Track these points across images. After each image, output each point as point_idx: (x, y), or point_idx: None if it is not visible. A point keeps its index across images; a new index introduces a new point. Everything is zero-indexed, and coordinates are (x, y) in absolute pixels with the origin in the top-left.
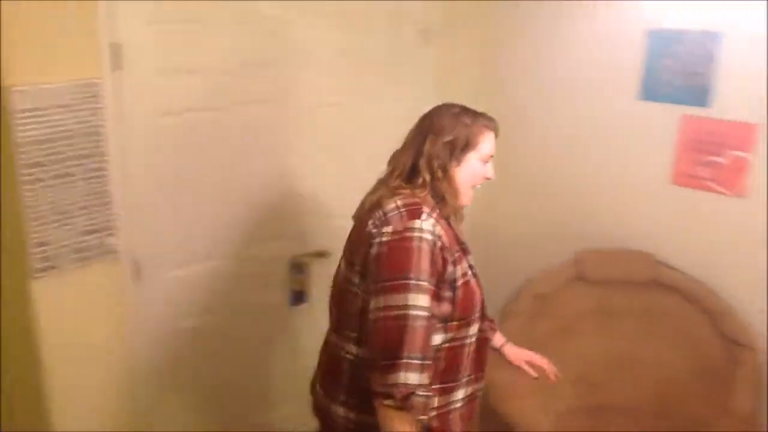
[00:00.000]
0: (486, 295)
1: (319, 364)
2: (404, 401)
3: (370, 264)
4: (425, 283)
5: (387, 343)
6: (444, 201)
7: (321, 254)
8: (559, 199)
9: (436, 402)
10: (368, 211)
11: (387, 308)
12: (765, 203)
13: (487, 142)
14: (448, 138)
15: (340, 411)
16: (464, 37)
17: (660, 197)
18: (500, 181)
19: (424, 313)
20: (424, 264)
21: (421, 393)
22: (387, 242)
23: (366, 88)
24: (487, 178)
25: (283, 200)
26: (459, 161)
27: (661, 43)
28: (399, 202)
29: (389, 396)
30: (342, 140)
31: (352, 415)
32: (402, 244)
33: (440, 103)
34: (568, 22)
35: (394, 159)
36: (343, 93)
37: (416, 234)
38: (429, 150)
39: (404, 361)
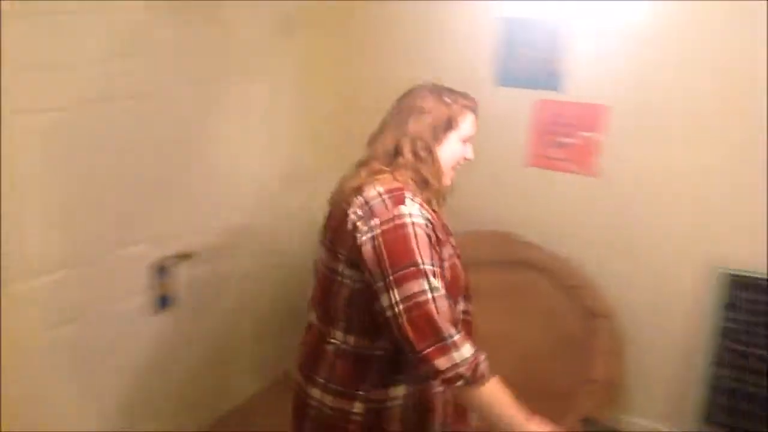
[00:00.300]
0: None
1: (301, 348)
2: (476, 375)
3: (368, 261)
4: (431, 267)
5: (422, 334)
6: (426, 183)
7: (185, 256)
8: None
9: (416, 387)
10: (348, 196)
11: (405, 300)
12: (615, 181)
13: (467, 123)
14: (430, 118)
15: (316, 393)
16: (328, 30)
17: (517, 179)
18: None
19: (443, 292)
20: (424, 247)
21: (482, 359)
22: (380, 234)
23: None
24: (467, 159)
25: (142, 202)
26: (441, 141)
27: (515, 31)
28: (380, 189)
29: (459, 378)
30: (201, 138)
31: (327, 399)
32: (397, 233)
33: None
34: (426, 12)
35: (374, 141)
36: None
37: (407, 220)
38: (412, 130)
39: (449, 341)
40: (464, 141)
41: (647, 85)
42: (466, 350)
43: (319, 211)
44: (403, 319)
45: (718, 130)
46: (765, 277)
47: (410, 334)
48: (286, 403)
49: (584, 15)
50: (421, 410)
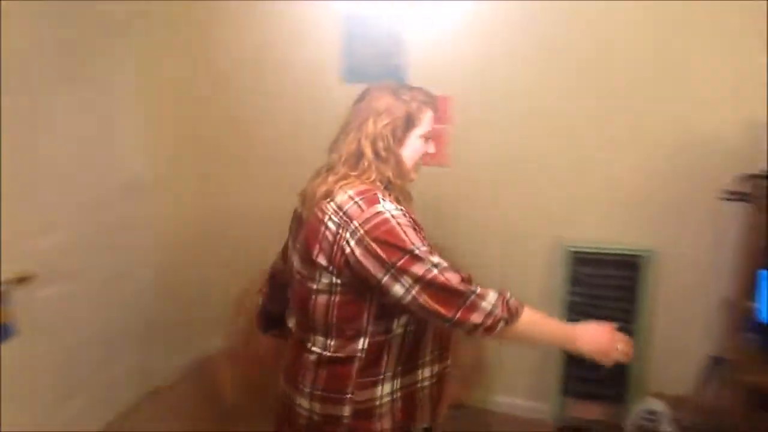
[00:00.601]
0: None
1: (285, 357)
2: (511, 312)
3: (364, 262)
4: (424, 248)
5: (445, 302)
6: (390, 183)
7: (22, 279)
8: (281, 188)
9: (399, 384)
10: (318, 203)
11: (417, 282)
12: (466, 170)
13: (426, 119)
14: (389, 118)
15: (304, 402)
16: (165, 33)
17: None
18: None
19: (445, 264)
20: (411, 234)
21: (508, 295)
22: (365, 235)
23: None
24: (429, 154)
25: None
26: (402, 141)
27: (358, 28)
28: (350, 192)
29: (498, 322)
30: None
31: (316, 407)
32: (380, 229)
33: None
34: (271, 13)
35: (336, 145)
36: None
37: (387, 215)
38: (372, 132)
39: (473, 297)
40: (426, 137)
41: (487, 75)
42: (492, 296)
43: (161, 220)
44: (424, 297)
45: (555, 116)
46: (603, 252)
47: (435, 307)
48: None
49: (423, 10)
50: (407, 406)
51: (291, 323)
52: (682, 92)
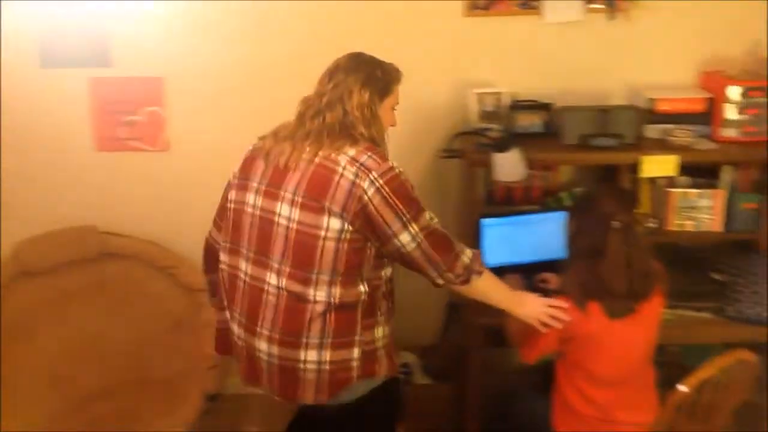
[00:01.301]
0: None
1: (242, 303)
2: (480, 269)
3: (379, 208)
4: (422, 204)
5: (443, 252)
6: (378, 145)
7: None
8: None
9: (388, 329)
10: (325, 158)
11: (422, 230)
12: (185, 154)
13: (396, 92)
14: (372, 87)
15: (312, 356)
16: None
17: (88, 167)
18: None
19: (437, 219)
20: (415, 190)
21: (477, 252)
22: (385, 184)
23: None
24: (392, 125)
25: None
26: (379, 107)
27: (55, 9)
28: (361, 148)
29: (471, 274)
30: None
31: (326, 355)
32: (397, 181)
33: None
34: None
35: (319, 114)
36: None
37: (398, 170)
38: (358, 101)
39: (457, 249)
40: (393, 107)
41: (201, 56)
42: (468, 252)
43: None
44: (426, 245)
45: (267, 96)
46: None
47: (435, 255)
48: None
49: None
50: (393, 350)
51: (271, 278)
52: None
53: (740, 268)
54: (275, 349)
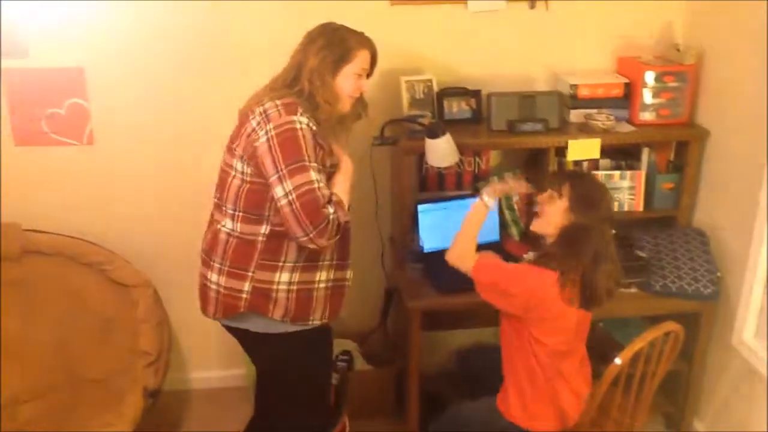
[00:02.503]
0: None
1: (203, 239)
2: (344, 224)
3: (263, 157)
4: (315, 164)
5: (311, 217)
6: (318, 107)
7: None
8: None
9: (298, 278)
10: (250, 107)
11: (297, 188)
12: (111, 146)
13: (360, 58)
14: (326, 51)
15: (213, 277)
16: None
17: (8, 162)
18: None
19: (323, 184)
20: (309, 148)
21: (339, 211)
22: (274, 136)
23: None
24: (361, 91)
25: None
26: (335, 73)
27: None
28: (278, 102)
29: (336, 235)
30: None
31: (222, 279)
32: (287, 134)
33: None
34: None
35: (280, 76)
36: None
37: (297, 125)
38: (310, 63)
39: (329, 216)
40: (358, 74)
41: (124, 45)
42: (341, 215)
43: None
44: (297, 205)
45: (198, 88)
46: None
47: (302, 217)
48: None
49: None
50: (302, 300)
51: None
52: None
53: (662, 244)
54: (202, 268)
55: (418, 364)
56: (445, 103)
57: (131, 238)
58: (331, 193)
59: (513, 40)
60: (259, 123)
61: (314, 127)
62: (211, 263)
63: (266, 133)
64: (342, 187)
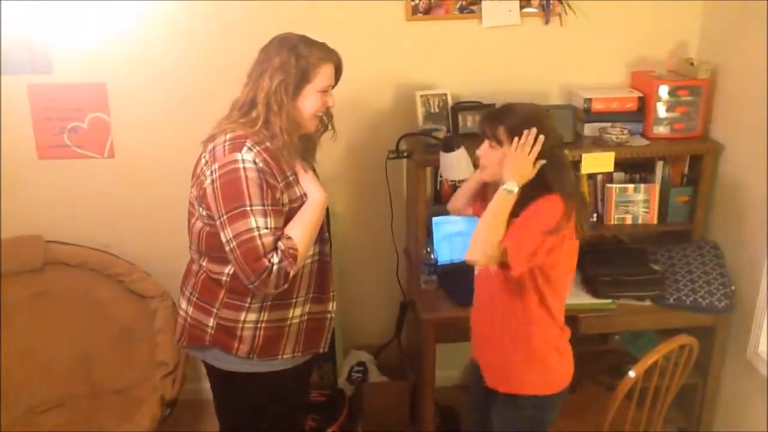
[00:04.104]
0: None
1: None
2: (294, 259)
3: (209, 200)
4: (260, 207)
5: (252, 267)
6: (275, 137)
7: None
8: None
9: (267, 317)
10: (205, 143)
11: (236, 236)
12: (131, 160)
13: (323, 74)
14: (283, 75)
15: (183, 304)
16: None
17: (31, 175)
18: None
19: (266, 230)
20: (254, 189)
21: (286, 244)
22: (216, 178)
23: None
24: (328, 107)
25: None
26: (295, 96)
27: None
28: (228, 136)
29: (288, 276)
30: None
31: (190, 309)
32: (229, 176)
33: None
34: None
35: (241, 93)
36: None
37: (239, 165)
38: (267, 86)
39: (273, 269)
40: (323, 91)
41: (144, 60)
42: (281, 267)
43: None
44: (237, 254)
45: (217, 102)
46: None
47: (243, 266)
48: None
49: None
50: (270, 337)
51: None
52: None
53: (676, 258)
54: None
55: (433, 376)
56: (460, 117)
57: (150, 250)
58: (278, 239)
59: (527, 55)
60: (207, 162)
61: (261, 164)
62: (184, 290)
63: (211, 174)
64: (302, 224)
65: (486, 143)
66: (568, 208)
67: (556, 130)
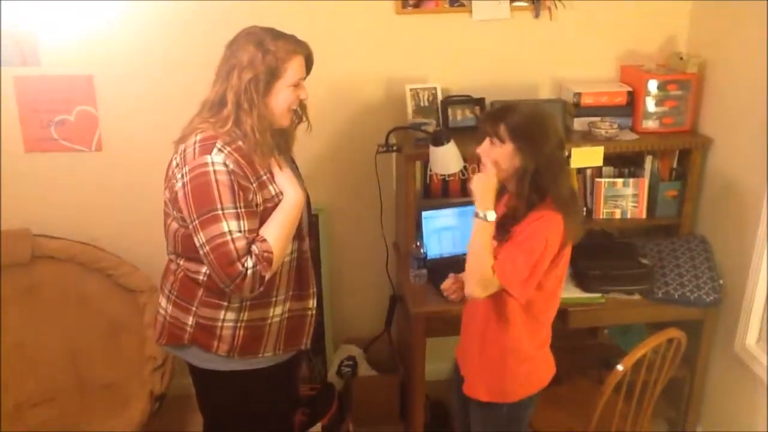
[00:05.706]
0: None
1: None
2: (270, 262)
3: (181, 204)
4: (232, 210)
5: (226, 271)
6: (246, 137)
7: None
8: None
9: (246, 316)
10: (176, 144)
11: (209, 242)
12: (119, 153)
13: (293, 68)
14: (252, 73)
15: (162, 302)
16: None
17: (18, 168)
18: None
19: (239, 234)
20: (225, 193)
21: (261, 248)
22: (187, 182)
23: None
24: (302, 99)
25: None
26: (266, 92)
27: None
28: (198, 137)
29: (263, 279)
30: None
31: (169, 308)
32: (199, 180)
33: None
34: None
35: (211, 91)
36: None
37: (209, 168)
38: (237, 85)
39: (247, 273)
40: (294, 85)
41: (132, 52)
42: (256, 271)
43: None
44: (211, 258)
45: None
46: None
47: (218, 271)
48: None
49: None
50: (250, 336)
51: None
52: (336, 66)
53: (664, 252)
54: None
55: (423, 370)
56: (450, 111)
57: (138, 244)
58: (252, 242)
59: (517, 49)
60: (177, 164)
61: (232, 166)
62: (163, 288)
63: (182, 177)
64: (277, 225)
65: (487, 141)
66: (567, 225)
67: (558, 132)
